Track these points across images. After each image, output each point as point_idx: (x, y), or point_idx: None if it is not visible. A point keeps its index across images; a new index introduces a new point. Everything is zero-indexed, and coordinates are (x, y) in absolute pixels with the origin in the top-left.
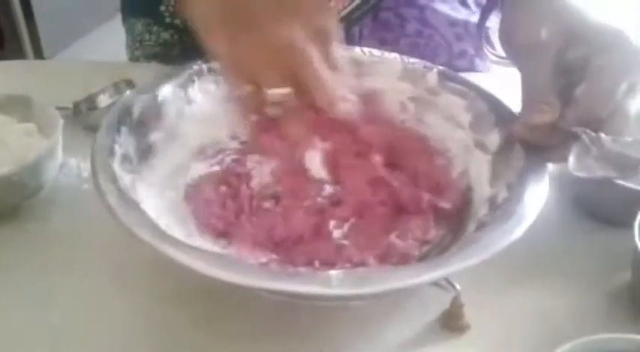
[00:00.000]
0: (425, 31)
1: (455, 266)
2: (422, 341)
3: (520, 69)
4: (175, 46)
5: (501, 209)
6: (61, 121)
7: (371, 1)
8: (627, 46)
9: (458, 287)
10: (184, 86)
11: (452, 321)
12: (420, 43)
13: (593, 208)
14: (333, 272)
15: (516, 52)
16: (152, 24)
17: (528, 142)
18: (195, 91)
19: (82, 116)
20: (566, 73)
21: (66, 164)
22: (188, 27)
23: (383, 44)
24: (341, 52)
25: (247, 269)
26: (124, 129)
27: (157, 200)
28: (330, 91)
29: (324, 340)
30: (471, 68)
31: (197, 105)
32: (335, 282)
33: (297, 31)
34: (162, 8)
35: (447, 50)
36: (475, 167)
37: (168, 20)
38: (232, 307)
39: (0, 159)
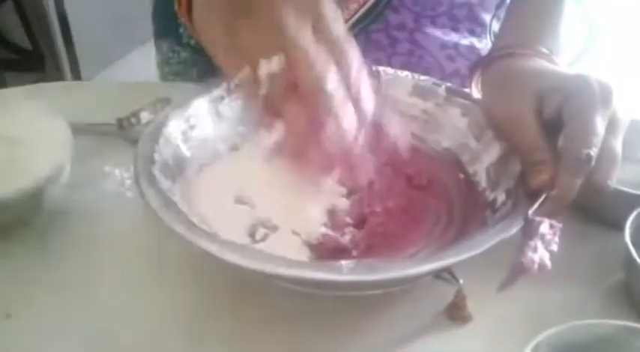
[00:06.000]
0: (416, 51)
1: (452, 259)
2: (428, 331)
3: (509, 141)
4: (194, 65)
5: (500, 212)
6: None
7: (373, 12)
8: (591, 84)
9: (461, 280)
10: (215, 102)
11: (456, 312)
12: (412, 62)
13: (589, 210)
14: (344, 262)
15: (499, 126)
16: (174, 44)
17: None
18: (225, 106)
19: (124, 131)
20: (551, 127)
21: (111, 174)
22: (201, 48)
23: (377, 63)
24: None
25: (269, 258)
26: (162, 140)
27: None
28: (316, 75)
29: (337, 330)
30: (464, 86)
31: (226, 120)
32: (346, 270)
33: (290, 14)
34: (181, 30)
35: (440, 70)
36: (481, 174)
37: (185, 40)
38: (258, 300)
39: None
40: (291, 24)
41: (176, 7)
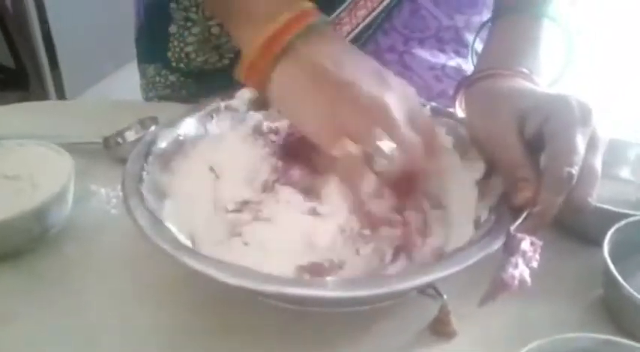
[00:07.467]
0: (405, 73)
1: (437, 274)
2: (413, 347)
3: (492, 159)
4: (182, 87)
5: (483, 228)
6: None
7: (365, 35)
8: (571, 104)
9: (445, 296)
10: (204, 121)
11: (440, 328)
12: None
13: (569, 227)
14: (329, 278)
15: (483, 145)
16: (161, 68)
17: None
18: (213, 126)
19: (111, 150)
20: (533, 146)
21: (97, 193)
22: (190, 71)
23: None
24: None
25: (255, 275)
26: (150, 159)
27: (180, 214)
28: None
29: (322, 346)
30: (451, 107)
31: (214, 138)
32: (331, 286)
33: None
34: (169, 54)
35: (427, 91)
36: (466, 192)
37: (174, 65)
38: (243, 315)
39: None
40: (395, 110)
41: (236, 73)
